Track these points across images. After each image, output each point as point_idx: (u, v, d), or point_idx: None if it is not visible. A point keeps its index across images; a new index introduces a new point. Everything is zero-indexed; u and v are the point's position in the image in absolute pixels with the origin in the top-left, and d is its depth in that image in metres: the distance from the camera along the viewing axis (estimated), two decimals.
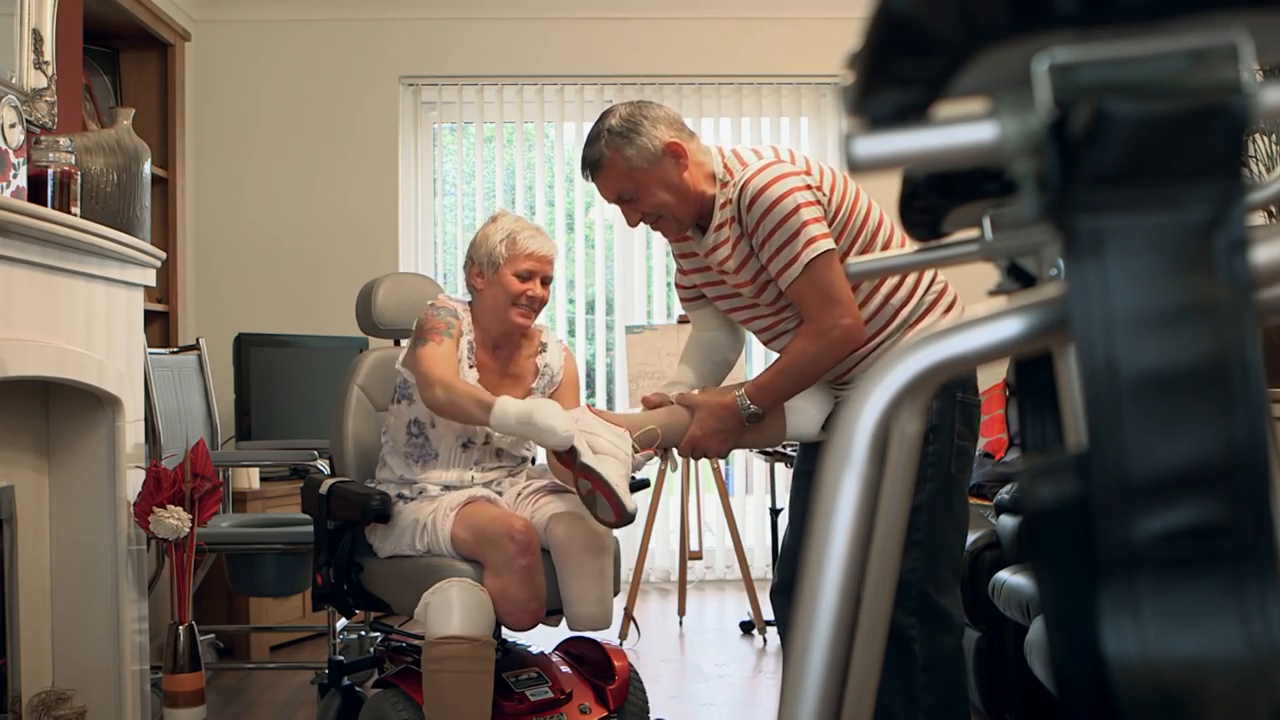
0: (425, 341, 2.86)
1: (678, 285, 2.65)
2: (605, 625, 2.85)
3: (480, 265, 2.96)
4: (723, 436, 2.44)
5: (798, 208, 2.26)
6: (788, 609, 2.51)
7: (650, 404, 2.53)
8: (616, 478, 2.49)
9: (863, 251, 2.35)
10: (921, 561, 2.26)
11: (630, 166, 2.38)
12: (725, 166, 2.40)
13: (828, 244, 2.26)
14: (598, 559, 2.80)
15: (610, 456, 2.51)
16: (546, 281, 2.97)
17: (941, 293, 2.42)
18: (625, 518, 2.52)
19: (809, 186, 2.29)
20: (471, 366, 2.96)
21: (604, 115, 2.44)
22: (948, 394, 2.30)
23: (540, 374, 3.05)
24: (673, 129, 2.40)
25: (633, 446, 2.49)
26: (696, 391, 2.49)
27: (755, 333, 2.54)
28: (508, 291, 2.91)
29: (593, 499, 2.54)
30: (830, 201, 2.33)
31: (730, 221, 2.36)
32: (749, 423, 2.41)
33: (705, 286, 2.55)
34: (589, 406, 2.66)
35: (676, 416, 2.47)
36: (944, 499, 2.30)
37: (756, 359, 5.71)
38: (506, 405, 2.65)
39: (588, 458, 2.50)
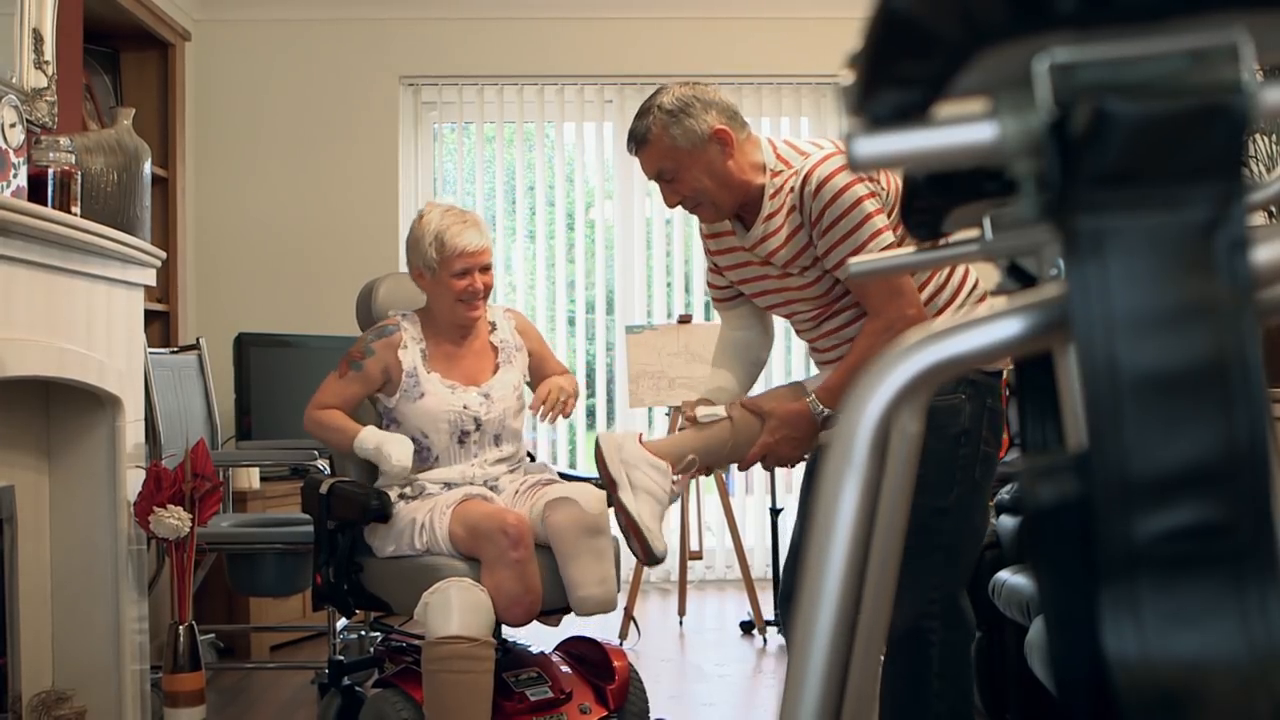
0: (335, 369, 3.04)
1: (711, 285, 2.64)
2: (610, 607, 2.84)
3: (420, 269, 3.00)
4: (796, 443, 2.40)
5: (860, 199, 2.24)
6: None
7: (691, 416, 2.47)
8: (648, 517, 2.44)
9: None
10: (945, 565, 2.25)
11: (674, 146, 2.36)
12: (779, 157, 2.37)
13: (890, 238, 2.24)
14: (594, 539, 2.81)
15: (647, 494, 2.46)
16: (486, 269, 2.99)
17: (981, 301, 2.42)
18: (651, 559, 2.49)
19: (871, 178, 2.27)
20: (430, 372, 3.00)
21: (658, 91, 2.43)
22: (979, 399, 2.27)
23: (499, 350, 3.11)
24: (724, 116, 2.38)
25: (672, 482, 2.45)
26: (764, 400, 2.44)
27: (797, 326, 2.51)
28: (451, 292, 2.96)
29: (626, 535, 2.51)
30: (889, 196, 2.31)
31: (787, 210, 2.33)
32: (824, 427, 2.38)
33: (742, 283, 2.53)
34: (639, 437, 2.53)
35: (744, 427, 2.41)
36: (968, 503, 2.28)
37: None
38: (365, 437, 2.89)
39: (624, 493, 2.45)
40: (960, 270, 2.39)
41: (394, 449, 2.86)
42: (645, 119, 2.39)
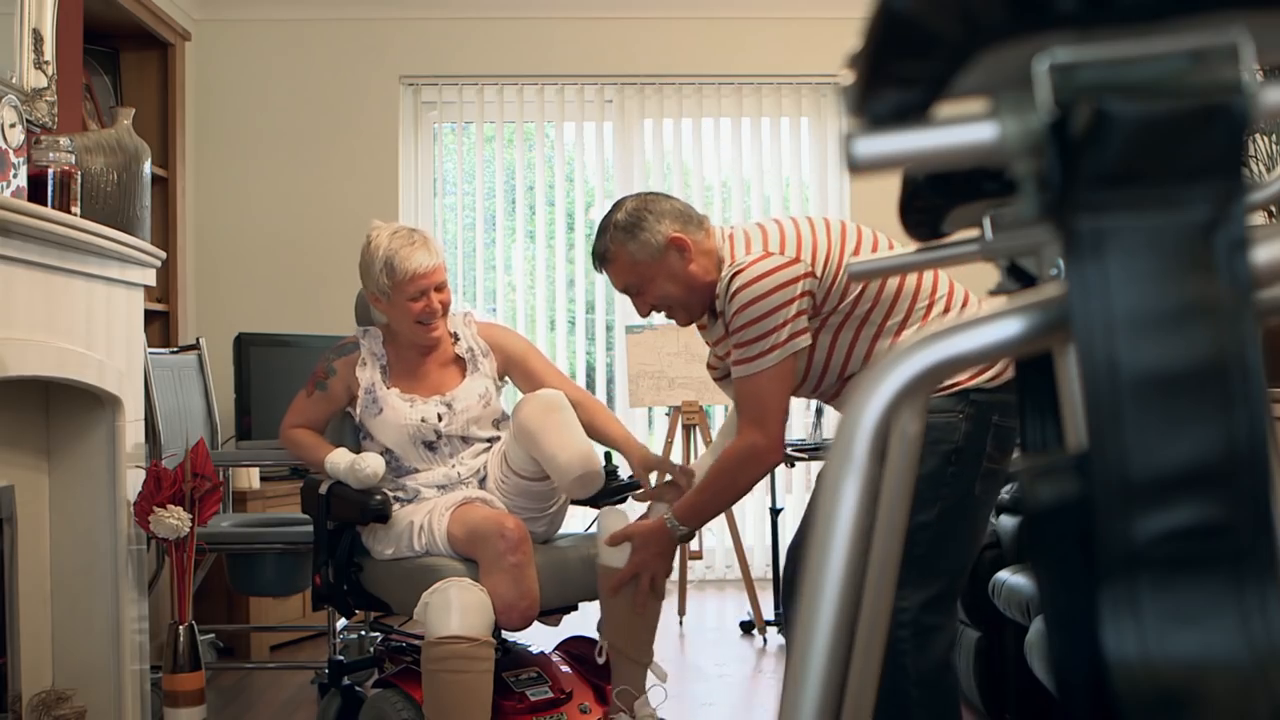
0: (302, 388, 3.08)
1: (708, 365, 2.64)
2: (595, 473, 2.80)
3: (374, 293, 2.97)
4: (661, 555, 2.67)
5: (770, 312, 2.27)
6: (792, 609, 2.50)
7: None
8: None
9: (871, 309, 2.32)
10: (918, 577, 2.23)
11: (634, 260, 2.45)
12: (732, 254, 2.39)
13: (781, 355, 2.28)
14: (557, 414, 2.82)
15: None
16: (441, 287, 2.96)
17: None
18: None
19: (798, 279, 2.28)
20: (390, 388, 2.99)
21: (614, 207, 2.51)
22: (981, 418, 2.26)
23: (465, 360, 3.09)
24: (677, 223, 2.44)
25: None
26: (628, 528, 2.73)
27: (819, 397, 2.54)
28: (408, 315, 2.94)
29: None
30: (825, 274, 2.31)
31: (721, 314, 2.39)
32: (681, 541, 2.61)
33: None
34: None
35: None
36: (956, 518, 2.26)
37: None
38: (336, 459, 2.89)
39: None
40: (945, 283, 2.39)
41: (366, 458, 2.88)
42: (604, 238, 2.49)
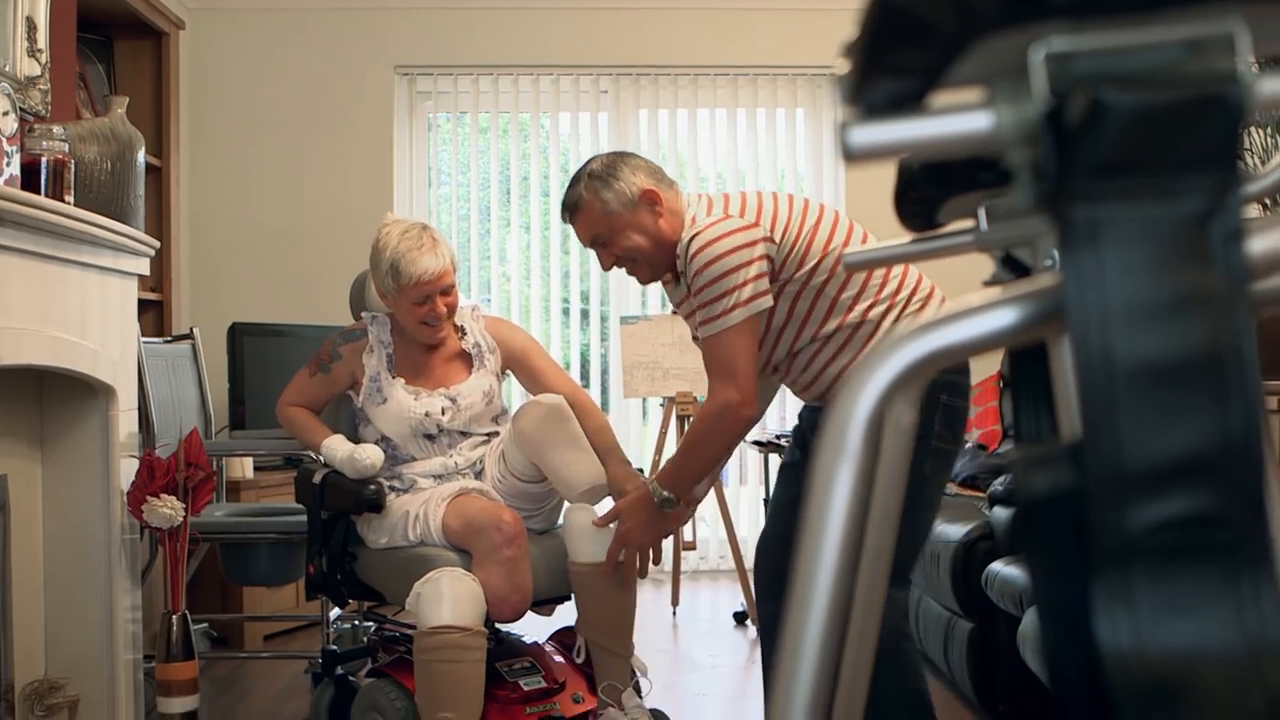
0: (305, 366, 3.07)
1: (693, 338, 2.65)
2: (602, 485, 2.86)
3: (381, 290, 2.97)
4: (646, 526, 2.63)
5: (730, 271, 2.29)
6: (769, 606, 2.47)
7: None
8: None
9: (826, 280, 2.35)
10: None
11: (607, 210, 2.46)
12: (693, 218, 2.43)
13: (746, 312, 2.29)
14: (561, 426, 2.83)
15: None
16: (448, 291, 2.94)
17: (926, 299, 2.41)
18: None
19: (756, 242, 2.31)
20: (395, 378, 2.99)
21: (587, 161, 2.55)
22: (929, 397, 2.25)
23: (472, 355, 3.09)
24: (651, 178, 2.48)
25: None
26: (615, 505, 2.75)
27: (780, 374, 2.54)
28: (411, 316, 2.94)
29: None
30: (784, 241, 2.34)
31: (683, 274, 2.41)
32: (665, 508, 2.56)
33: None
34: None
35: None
36: (908, 497, 2.26)
37: None
38: (335, 446, 2.91)
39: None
40: (902, 273, 2.40)
41: (365, 449, 2.89)
42: (577, 186, 2.51)
